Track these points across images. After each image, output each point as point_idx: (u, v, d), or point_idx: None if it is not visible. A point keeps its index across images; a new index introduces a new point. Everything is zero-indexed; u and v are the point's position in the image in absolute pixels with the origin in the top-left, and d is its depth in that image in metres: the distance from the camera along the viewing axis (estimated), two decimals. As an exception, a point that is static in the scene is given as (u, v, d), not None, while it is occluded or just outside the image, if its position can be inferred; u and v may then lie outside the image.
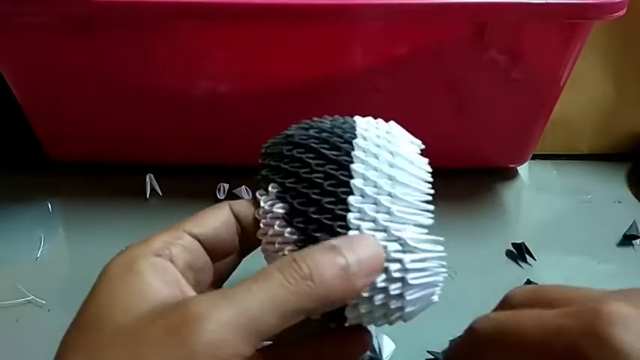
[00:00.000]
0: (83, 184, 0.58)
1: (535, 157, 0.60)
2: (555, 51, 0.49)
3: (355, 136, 0.29)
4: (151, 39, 0.49)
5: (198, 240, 0.27)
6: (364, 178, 0.27)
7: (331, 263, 0.24)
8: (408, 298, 0.27)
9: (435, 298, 0.30)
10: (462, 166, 0.58)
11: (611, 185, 0.59)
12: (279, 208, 0.27)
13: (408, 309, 0.27)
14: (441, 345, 0.44)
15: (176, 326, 0.21)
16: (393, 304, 0.27)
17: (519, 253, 0.51)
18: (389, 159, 0.29)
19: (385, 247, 0.26)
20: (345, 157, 0.28)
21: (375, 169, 0.28)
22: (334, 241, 0.25)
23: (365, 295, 0.26)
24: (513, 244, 0.52)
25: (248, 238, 0.29)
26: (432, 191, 0.29)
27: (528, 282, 0.49)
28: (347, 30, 0.48)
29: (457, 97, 0.52)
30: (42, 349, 0.46)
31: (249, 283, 0.23)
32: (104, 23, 0.48)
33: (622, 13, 0.45)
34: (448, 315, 0.39)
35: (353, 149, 0.28)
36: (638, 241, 0.53)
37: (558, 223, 0.55)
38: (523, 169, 0.61)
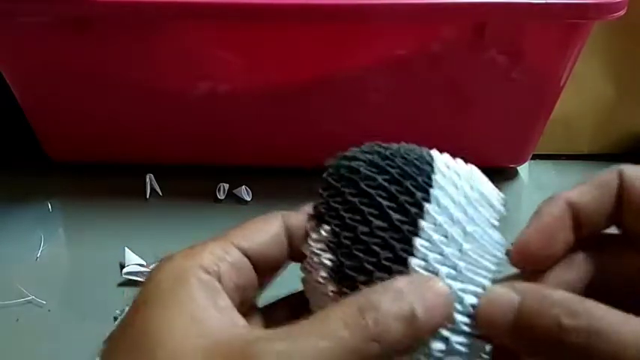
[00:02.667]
0: (83, 184, 0.58)
1: (535, 157, 0.60)
2: (555, 51, 0.49)
3: (429, 199, 0.25)
4: (151, 39, 0.49)
5: (247, 255, 0.25)
6: (425, 260, 0.24)
7: (398, 314, 0.22)
8: None
9: None
10: (462, 166, 0.58)
11: (611, 185, 0.59)
12: (326, 260, 0.25)
13: None
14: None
15: None
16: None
17: (519, 253, 0.51)
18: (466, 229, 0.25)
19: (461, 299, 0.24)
20: (410, 228, 0.24)
21: (446, 237, 0.24)
22: (397, 282, 0.23)
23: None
24: (513, 244, 0.52)
25: (297, 253, 0.27)
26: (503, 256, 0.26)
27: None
28: (347, 30, 0.48)
29: (457, 97, 0.52)
30: (42, 349, 0.46)
31: (313, 327, 0.21)
32: (104, 23, 0.48)
33: (622, 13, 0.45)
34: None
35: (422, 216, 0.24)
36: (638, 241, 0.53)
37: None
38: (523, 169, 0.61)
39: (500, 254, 0.26)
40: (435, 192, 0.25)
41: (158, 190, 0.57)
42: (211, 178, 0.57)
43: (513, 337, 0.23)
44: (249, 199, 0.56)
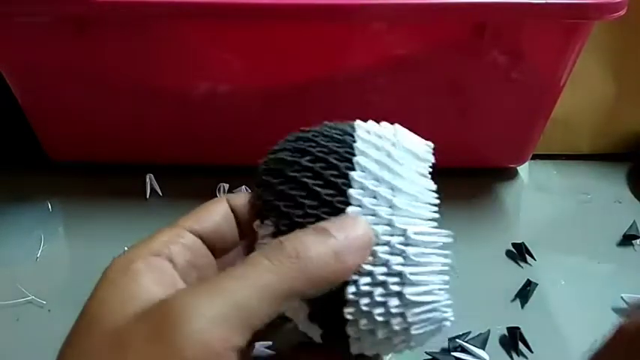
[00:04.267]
0: (83, 184, 0.58)
1: (535, 157, 0.60)
2: (555, 51, 0.49)
3: (353, 167, 0.26)
4: (150, 39, 0.49)
5: (200, 237, 0.27)
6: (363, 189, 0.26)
7: (318, 241, 0.23)
8: (409, 297, 0.24)
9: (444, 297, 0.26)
10: (462, 166, 0.58)
11: (611, 185, 0.59)
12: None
13: (410, 311, 0.24)
14: (440, 345, 0.45)
15: (160, 324, 0.20)
16: (393, 306, 0.24)
17: (519, 253, 0.51)
18: (390, 166, 0.26)
19: (388, 241, 0.25)
20: (340, 199, 0.25)
21: (376, 180, 0.26)
22: (321, 224, 0.24)
23: (363, 286, 0.24)
24: (513, 244, 0.52)
25: (247, 232, 0.28)
26: (435, 186, 0.27)
27: (528, 282, 0.49)
28: (348, 30, 0.48)
29: (457, 97, 0.52)
30: (42, 349, 0.46)
31: (234, 270, 0.22)
32: (104, 23, 0.48)
33: (622, 13, 0.45)
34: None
35: (350, 185, 0.26)
36: (638, 241, 0.53)
37: (558, 223, 0.55)
38: (523, 169, 0.61)
39: (434, 200, 0.27)
40: (357, 159, 0.26)
41: (158, 190, 0.57)
42: (211, 178, 0.57)
43: None
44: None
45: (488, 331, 0.45)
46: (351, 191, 0.25)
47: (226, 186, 0.57)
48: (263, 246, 0.24)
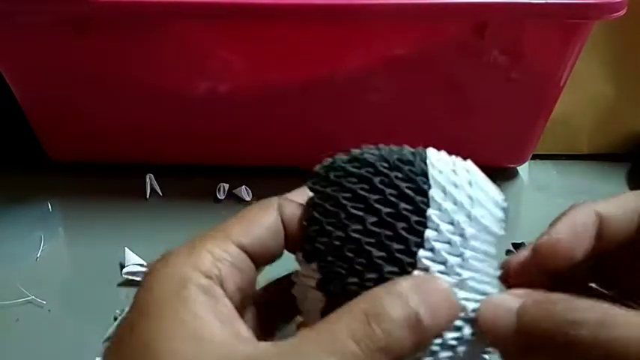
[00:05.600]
0: (83, 184, 0.58)
1: (535, 157, 0.60)
2: (555, 51, 0.49)
3: (422, 244, 0.23)
4: (151, 39, 0.49)
5: (245, 250, 0.24)
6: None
7: (408, 325, 0.21)
8: None
9: None
10: (462, 166, 0.58)
11: (611, 185, 0.59)
12: (315, 295, 0.24)
13: None
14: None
15: None
16: None
17: (519, 253, 0.51)
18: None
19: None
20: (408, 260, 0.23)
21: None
22: (402, 287, 0.22)
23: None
24: (513, 244, 0.52)
25: (293, 242, 0.26)
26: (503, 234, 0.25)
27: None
28: (347, 30, 0.48)
29: (457, 97, 0.52)
30: (42, 349, 0.46)
31: (318, 345, 0.20)
32: (104, 23, 0.48)
33: (622, 13, 0.45)
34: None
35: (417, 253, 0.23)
36: (638, 241, 0.53)
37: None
38: (523, 169, 0.61)
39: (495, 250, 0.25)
40: (427, 234, 0.23)
41: (158, 190, 0.57)
42: (211, 178, 0.57)
43: (518, 341, 0.22)
44: (249, 199, 0.56)
45: (489, 331, 0.45)
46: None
47: (226, 186, 0.57)
48: (345, 313, 0.21)
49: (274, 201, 0.26)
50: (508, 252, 0.52)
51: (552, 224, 0.26)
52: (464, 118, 0.54)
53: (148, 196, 0.57)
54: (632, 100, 0.58)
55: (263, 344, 0.21)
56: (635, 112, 0.59)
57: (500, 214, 0.25)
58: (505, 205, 0.26)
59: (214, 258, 0.23)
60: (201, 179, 0.57)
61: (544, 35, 0.48)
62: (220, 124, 0.55)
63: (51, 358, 0.44)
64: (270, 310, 0.27)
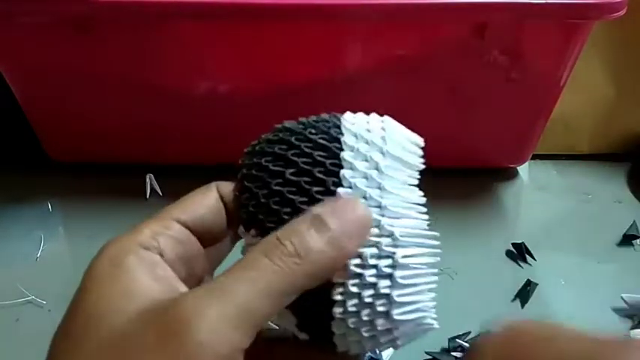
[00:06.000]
0: (83, 184, 0.58)
1: (535, 157, 0.60)
2: (555, 51, 0.49)
3: (339, 182, 0.25)
4: (151, 39, 0.49)
5: (187, 227, 0.26)
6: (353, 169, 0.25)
7: (317, 233, 0.23)
8: (397, 299, 0.24)
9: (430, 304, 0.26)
10: (462, 165, 0.58)
11: (611, 185, 0.59)
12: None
13: (395, 311, 0.24)
14: (440, 345, 0.45)
15: (168, 329, 0.20)
16: (380, 305, 0.24)
17: (519, 253, 0.51)
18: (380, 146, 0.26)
19: (377, 242, 0.24)
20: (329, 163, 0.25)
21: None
22: (317, 210, 0.23)
23: (353, 291, 0.24)
24: (513, 244, 0.52)
25: (236, 220, 0.27)
26: (422, 167, 0.27)
27: (528, 282, 0.49)
28: (347, 30, 0.48)
29: (457, 97, 0.52)
30: (42, 349, 0.46)
31: (237, 271, 0.22)
32: (104, 23, 0.48)
33: (622, 13, 0.45)
34: (448, 315, 0.39)
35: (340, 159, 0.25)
36: (638, 241, 0.53)
37: (558, 223, 0.55)
38: (523, 169, 0.61)
39: (423, 208, 0.26)
40: (343, 172, 0.25)
41: (158, 190, 0.57)
42: (211, 178, 0.57)
43: None
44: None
45: (489, 331, 0.45)
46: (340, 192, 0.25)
47: (226, 186, 0.57)
48: (260, 243, 0.23)
49: (213, 184, 0.28)
50: (508, 252, 0.52)
51: None
52: (464, 118, 0.54)
53: (147, 196, 0.57)
54: (633, 100, 0.58)
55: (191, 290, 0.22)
56: (635, 113, 0.59)
57: (415, 149, 0.27)
58: (420, 142, 0.27)
59: (153, 232, 0.25)
60: (201, 179, 0.57)
61: (544, 35, 0.48)
62: (220, 124, 0.55)
63: (51, 358, 0.44)
64: None
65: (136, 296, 0.22)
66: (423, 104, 0.53)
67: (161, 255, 0.24)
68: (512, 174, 0.60)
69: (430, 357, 0.44)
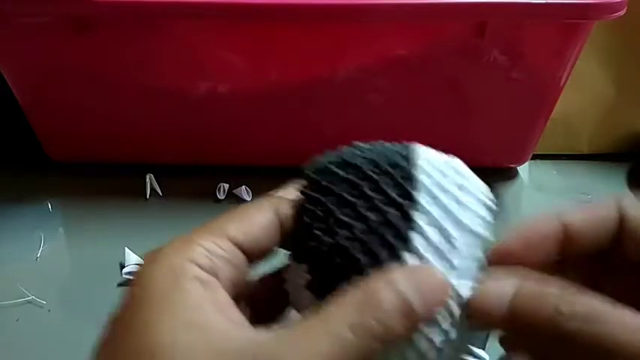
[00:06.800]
0: (83, 184, 0.58)
1: (535, 157, 0.60)
2: (555, 51, 0.49)
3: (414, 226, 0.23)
4: (151, 39, 0.49)
5: (241, 248, 0.24)
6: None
7: (394, 305, 0.21)
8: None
9: None
10: (462, 166, 0.58)
11: (611, 185, 0.59)
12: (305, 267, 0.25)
13: None
14: None
15: None
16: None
17: (519, 253, 0.51)
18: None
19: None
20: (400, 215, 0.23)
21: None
22: (395, 276, 0.22)
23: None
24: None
25: (287, 243, 0.26)
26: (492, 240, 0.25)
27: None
28: (347, 30, 0.48)
29: (457, 97, 0.52)
30: (42, 349, 0.46)
31: (316, 334, 0.21)
32: (105, 23, 0.48)
33: (622, 13, 0.45)
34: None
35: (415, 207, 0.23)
36: (638, 241, 0.53)
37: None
38: (523, 169, 0.61)
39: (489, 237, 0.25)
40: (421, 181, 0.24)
41: (158, 190, 0.57)
42: (211, 178, 0.57)
43: (509, 329, 0.23)
44: (249, 199, 0.56)
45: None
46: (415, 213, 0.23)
47: (226, 186, 0.57)
48: (344, 306, 0.22)
49: (270, 200, 0.26)
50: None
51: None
52: (464, 118, 0.54)
53: (147, 196, 0.57)
54: (633, 100, 0.58)
55: (262, 330, 0.21)
56: (635, 112, 0.59)
57: (489, 217, 0.25)
58: (494, 206, 0.26)
59: (209, 252, 0.23)
60: (201, 179, 0.57)
61: (544, 35, 0.48)
62: (220, 124, 0.55)
63: (51, 358, 0.44)
64: (264, 302, 0.27)
65: (204, 330, 0.21)
66: (423, 104, 0.53)
67: (217, 278, 0.23)
68: (512, 174, 0.60)
69: (430, 357, 0.44)
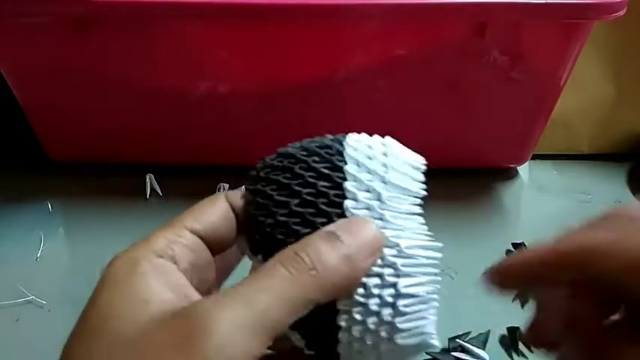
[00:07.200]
0: (83, 184, 0.58)
1: (535, 157, 0.60)
2: (555, 51, 0.49)
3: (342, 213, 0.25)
4: (150, 39, 0.49)
5: (199, 236, 0.26)
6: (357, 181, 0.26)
7: (332, 249, 0.23)
8: (400, 325, 0.25)
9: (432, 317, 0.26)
10: (462, 166, 0.58)
11: (611, 185, 0.59)
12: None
13: (398, 319, 0.25)
14: (440, 345, 0.44)
15: (185, 334, 0.21)
16: (384, 331, 0.25)
17: (519, 253, 0.51)
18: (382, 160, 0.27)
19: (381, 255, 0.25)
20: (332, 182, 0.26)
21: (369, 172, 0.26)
22: (331, 227, 0.24)
23: (358, 304, 0.24)
24: (513, 244, 0.52)
25: (245, 229, 0.28)
26: (423, 193, 0.27)
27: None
28: (347, 30, 0.48)
29: (457, 97, 0.52)
30: (42, 349, 0.46)
31: (254, 279, 0.22)
32: (104, 23, 0.48)
33: (622, 13, 0.45)
34: (448, 315, 0.39)
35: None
36: (638, 241, 0.53)
37: (558, 223, 0.55)
38: (523, 169, 0.61)
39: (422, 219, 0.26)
40: (347, 203, 0.26)
41: (158, 190, 0.57)
42: (211, 178, 0.57)
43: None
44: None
45: (488, 331, 0.45)
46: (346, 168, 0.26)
47: (226, 186, 0.57)
48: (278, 254, 0.23)
49: (222, 193, 0.29)
50: (508, 252, 0.52)
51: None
52: (464, 118, 0.54)
53: (148, 196, 0.57)
54: (633, 100, 0.58)
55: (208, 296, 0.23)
56: (635, 112, 0.59)
57: (418, 174, 0.27)
58: (422, 166, 0.27)
59: (168, 240, 0.25)
60: (201, 179, 0.57)
61: (544, 35, 0.48)
62: (220, 124, 0.55)
63: (51, 358, 0.43)
64: None
65: (151, 303, 0.22)
66: (423, 104, 0.53)
67: (175, 263, 0.25)
68: (512, 174, 0.60)
69: (430, 357, 0.44)
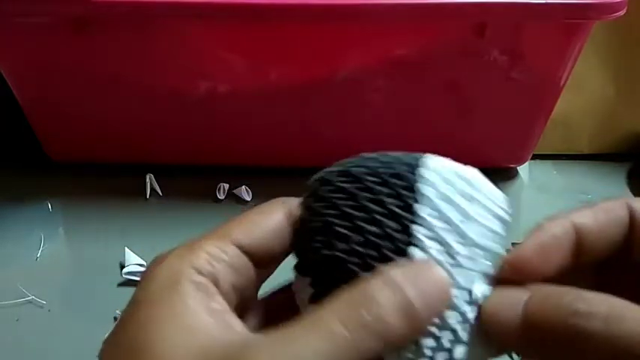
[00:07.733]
0: (83, 184, 0.58)
1: (535, 157, 0.60)
2: (555, 51, 0.49)
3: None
4: (150, 39, 0.49)
5: (246, 251, 0.24)
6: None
7: (391, 301, 0.21)
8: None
9: None
10: (462, 166, 0.58)
11: (611, 185, 0.59)
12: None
13: None
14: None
15: None
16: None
17: (519, 253, 0.51)
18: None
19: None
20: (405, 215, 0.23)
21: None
22: (392, 274, 0.21)
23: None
24: (513, 244, 0.52)
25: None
26: (503, 253, 0.24)
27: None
28: (347, 30, 0.48)
29: (457, 97, 0.52)
30: (42, 349, 0.46)
31: (306, 331, 0.20)
32: (104, 23, 0.48)
33: (622, 13, 0.45)
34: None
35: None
36: (638, 241, 0.53)
37: (558, 223, 0.55)
38: (523, 169, 0.61)
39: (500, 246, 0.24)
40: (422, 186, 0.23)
41: (158, 190, 0.57)
42: (211, 178, 0.57)
43: (524, 337, 0.22)
44: (249, 199, 0.56)
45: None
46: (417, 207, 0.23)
47: (226, 186, 0.57)
48: (335, 302, 0.21)
49: (279, 202, 0.25)
50: (508, 252, 0.52)
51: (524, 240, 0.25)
52: (464, 118, 0.54)
53: (148, 196, 0.57)
54: (632, 100, 0.58)
55: (252, 333, 0.21)
56: (635, 112, 0.59)
57: (501, 229, 0.24)
58: (509, 218, 0.25)
59: (210, 256, 0.23)
60: (201, 179, 0.57)
61: (544, 35, 0.48)
62: (220, 125, 0.55)
63: (51, 358, 0.44)
64: (276, 316, 0.27)
65: (195, 330, 0.21)
66: (423, 104, 0.53)
67: (216, 284, 0.23)
68: (512, 174, 0.60)
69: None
